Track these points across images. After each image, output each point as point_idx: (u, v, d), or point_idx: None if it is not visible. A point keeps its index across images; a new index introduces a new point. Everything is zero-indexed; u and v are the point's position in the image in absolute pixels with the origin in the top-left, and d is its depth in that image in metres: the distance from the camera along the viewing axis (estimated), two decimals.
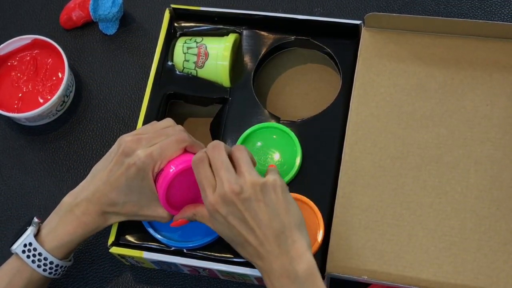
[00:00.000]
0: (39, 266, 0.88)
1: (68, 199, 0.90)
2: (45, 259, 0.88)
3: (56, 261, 0.89)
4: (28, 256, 0.88)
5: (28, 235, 0.88)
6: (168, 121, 0.91)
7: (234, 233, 0.81)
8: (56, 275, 0.91)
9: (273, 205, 0.79)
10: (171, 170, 0.85)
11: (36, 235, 0.89)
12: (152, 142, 0.87)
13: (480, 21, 0.94)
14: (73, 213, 0.89)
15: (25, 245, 0.88)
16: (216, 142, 0.83)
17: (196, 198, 0.87)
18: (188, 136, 0.88)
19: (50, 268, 0.89)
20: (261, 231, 0.79)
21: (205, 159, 0.82)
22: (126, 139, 0.87)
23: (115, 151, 0.88)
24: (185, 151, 0.88)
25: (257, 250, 0.80)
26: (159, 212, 0.88)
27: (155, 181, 0.86)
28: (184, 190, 0.86)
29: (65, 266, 0.91)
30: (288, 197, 0.81)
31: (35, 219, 0.90)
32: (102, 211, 0.89)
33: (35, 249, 0.88)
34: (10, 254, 0.90)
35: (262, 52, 1.02)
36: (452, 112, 0.93)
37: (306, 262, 0.78)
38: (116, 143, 0.89)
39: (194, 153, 0.85)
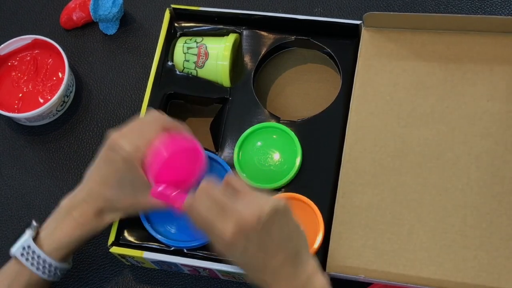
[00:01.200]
0: (38, 268, 0.88)
1: (65, 202, 0.90)
2: (44, 261, 0.88)
3: (54, 264, 0.89)
4: (27, 259, 0.88)
5: (26, 239, 0.88)
6: (150, 112, 0.91)
7: (253, 261, 0.80)
8: (55, 278, 0.91)
9: (287, 227, 0.79)
10: (157, 156, 0.85)
11: (35, 238, 0.89)
12: (134, 132, 0.87)
13: (479, 16, 0.94)
14: (70, 215, 0.89)
15: (23, 248, 0.88)
16: (205, 182, 0.81)
17: (184, 179, 0.87)
18: (166, 117, 0.89)
19: (49, 271, 0.89)
20: (279, 255, 0.78)
21: (203, 196, 0.79)
22: (110, 134, 0.87)
23: (103, 148, 0.89)
24: (169, 134, 0.87)
25: (274, 274, 0.79)
26: (155, 200, 0.87)
27: (144, 169, 0.86)
28: (172, 174, 0.86)
29: (65, 269, 0.91)
30: (294, 218, 0.81)
31: (34, 223, 0.90)
32: (98, 211, 0.89)
33: (33, 252, 0.88)
34: (9, 255, 0.90)
35: (262, 52, 1.02)
36: (453, 108, 0.93)
37: (322, 278, 0.80)
38: (108, 143, 0.89)
39: (177, 135, 0.87)
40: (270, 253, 0.78)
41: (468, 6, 1.08)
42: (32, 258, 0.88)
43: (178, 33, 1.05)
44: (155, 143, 0.86)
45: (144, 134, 0.86)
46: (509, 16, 0.97)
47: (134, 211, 0.91)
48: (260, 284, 0.81)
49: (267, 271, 0.79)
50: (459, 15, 0.95)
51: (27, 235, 0.88)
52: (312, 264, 0.80)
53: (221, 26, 1.04)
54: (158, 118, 0.88)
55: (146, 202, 0.88)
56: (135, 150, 0.85)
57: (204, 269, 0.93)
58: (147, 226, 0.94)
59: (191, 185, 0.87)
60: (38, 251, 0.88)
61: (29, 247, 0.88)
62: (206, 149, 0.97)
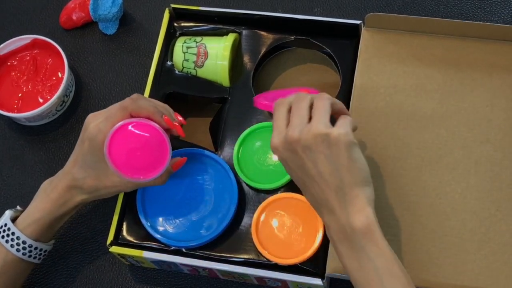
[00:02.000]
0: (12, 246, 0.89)
1: (45, 182, 0.93)
2: (18, 238, 0.89)
3: (29, 241, 0.90)
4: (2, 237, 0.89)
5: (5, 217, 0.90)
6: (130, 97, 0.90)
7: (296, 177, 0.81)
8: (32, 258, 0.91)
9: (333, 159, 0.78)
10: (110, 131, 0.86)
11: (15, 220, 0.91)
12: (102, 115, 0.88)
13: (480, 22, 0.94)
14: (45, 192, 0.92)
15: (1, 227, 0.90)
16: (303, 93, 0.83)
17: (155, 160, 0.88)
18: (135, 101, 0.88)
19: (24, 249, 0.90)
20: (321, 182, 0.78)
21: (285, 103, 0.82)
22: (88, 116, 0.89)
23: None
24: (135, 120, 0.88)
25: (317, 200, 0.80)
26: (115, 181, 0.89)
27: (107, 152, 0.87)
28: (137, 152, 0.87)
29: (42, 249, 0.92)
30: (353, 153, 0.78)
31: (18, 207, 0.93)
32: (68, 186, 0.90)
33: (9, 229, 0.89)
34: None
35: (262, 52, 1.02)
36: (452, 113, 0.93)
37: (364, 218, 0.77)
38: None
39: (142, 121, 0.87)
40: (311, 176, 0.79)
41: (468, 6, 1.07)
42: (7, 235, 0.89)
43: (177, 33, 1.04)
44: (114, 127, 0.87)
45: (111, 118, 0.87)
46: (509, 25, 0.97)
47: (100, 194, 0.92)
48: (313, 207, 0.82)
49: (308, 193, 0.81)
50: (461, 21, 0.95)
51: (6, 214, 0.91)
52: (360, 202, 0.77)
53: (220, 26, 1.04)
54: (124, 106, 0.88)
55: (109, 185, 0.90)
56: (98, 132, 0.86)
57: (204, 269, 0.93)
58: (146, 225, 0.94)
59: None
60: (13, 228, 0.89)
61: (5, 225, 0.90)
62: (205, 149, 0.97)
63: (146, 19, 1.14)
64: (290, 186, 0.94)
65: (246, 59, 1.02)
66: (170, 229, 0.94)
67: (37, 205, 0.91)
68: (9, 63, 1.10)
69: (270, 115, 0.98)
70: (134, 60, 1.11)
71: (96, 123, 0.87)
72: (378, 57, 0.97)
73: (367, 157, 0.92)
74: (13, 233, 0.89)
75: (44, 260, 0.94)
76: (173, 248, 0.93)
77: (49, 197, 0.91)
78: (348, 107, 0.96)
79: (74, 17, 1.13)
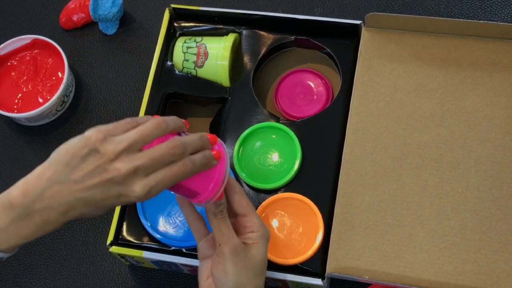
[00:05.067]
0: None
1: (21, 198, 0.74)
2: None
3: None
4: None
5: None
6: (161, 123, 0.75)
7: None
8: None
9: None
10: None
11: None
12: (149, 170, 0.73)
13: (481, 21, 0.94)
14: (31, 219, 0.73)
15: None
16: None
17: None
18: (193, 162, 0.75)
19: None
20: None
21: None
22: (117, 165, 0.71)
23: (95, 168, 0.72)
24: None
25: None
26: (131, 191, 0.74)
27: None
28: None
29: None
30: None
31: None
32: (68, 220, 0.75)
33: None
34: (10, 256, 0.89)
35: (262, 52, 1.02)
36: (452, 112, 0.93)
37: None
38: (87, 148, 0.72)
39: None
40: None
41: (468, 6, 1.08)
42: None
43: (177, 33, 1.04)
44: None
45: (163, 185, 0.73)
46: (510, 23, 0.97)
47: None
48: None
49: None
50: (461, 19, 0.95)
51: None
52: None
53: (220, 26, 1.04)
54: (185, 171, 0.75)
55: (122, 200, 0.75)
56: (149, 197, 0.73)
57: None
58: (146, 226, 0.94)
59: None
60: None
61: None
62: None
63: (146, 19, 1.14)
64: (290, 186, 0.94)
65: (246, 59, 1.02)
66: (170, 229, 0.94)
67: (21, 231, 0.74)
68: (9, 63, 1.10)
69: (270, 115, 0.98)
70: (134, 60, 1.11)
71: (148, 188, 0.72)
72: (378, 57, 0.97)
73: (368, 157, 0.93)
74: None
75: (44, 260, 0.94)
76: (173, 248, 0.93)
77: (41, 228, 0.74)
78: (348, 107, 0.96)
79: (74, 18, 1.13)
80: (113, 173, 0.71)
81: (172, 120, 0.76)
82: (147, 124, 0.74)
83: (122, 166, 0.71)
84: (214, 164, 0.77)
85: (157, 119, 0.75)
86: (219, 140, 0.79)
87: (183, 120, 0.79)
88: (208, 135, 0.78)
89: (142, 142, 0.73)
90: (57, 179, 0.73)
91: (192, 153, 0.76)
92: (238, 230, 0.81)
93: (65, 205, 0.73)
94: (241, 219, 0.81)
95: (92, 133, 0.72)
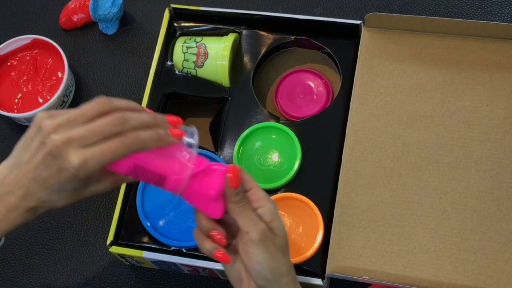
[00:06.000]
0: None
1: None
2: None
3: None
4: None
5: None
6: (104, 104, 0.73)
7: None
8: None
9: None
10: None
11: None
12: (86, 141, 0.71)
13: (480, 21, 0.94)
14: None
15: None
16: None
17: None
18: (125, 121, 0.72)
19: None
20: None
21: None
22: (53, 137, 0.71)
23: (38, 144, 0.72)
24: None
25: None
26: (99, 188, 0.77)
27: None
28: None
29: None
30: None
31: None
32: (31, 207, 0.75)
33: None
34: (8, 255, 0.89)
35: (262, 52, 1.02)
36: (452, 112, 0.93)
37: None
38: (35, 128, 0.73)
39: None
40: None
41: (468, 6, 1.08)
42: None
43: (177, 33, 1.04)
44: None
45: (104, 158, 0.72)
46: (510, 23, 0.97)
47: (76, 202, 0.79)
48: None
49: None
50: (461, 19, 0.95)
51: None
52: None
53: (220, 26, 1.04)
54: (134, 142, 0.72)
55: (90, 194, 0.77)
56: (87, 170, 0.71)
57: (204, 269, 0.93)
58: (146, 226, 0.94)
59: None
60: None
61: None
62: (206, 149, 0.97)
63: (146, 19, 1.14)
64: (290, 186, 0.94)
65: (246, 59, 1.02)
66: (170, 229, 0.94)
67: None
68: (9, 63, 1.10)
69: (270, 115, 0.98)
70: (134, 60, 1.11)
71: (82, 158, 0.70)
72: (378, 57, 0.97)
73: (368, 157, 0.93)
74: None
75: (44, 260, 0.94)
76: (173, 248, 0.93)
77: (5, 217, 0.75)
78: (348, 107, 0.96)
79: (74, 18, 1.13)
80: (50, 145, 0.71)
81: (120, 100, 0.74)
82: (90, 102, 0.73)
83: (57, 137, 0.71)
84: (170, 141, 0.73)
85: (101, 98, 0.74)
86: (192, 128, 0.75)
87: (165, 115, 0.76)
88: (170, 116, 0.76)
89: (82, 117, 0.72)
90: (14, 163, 0.75)
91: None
92: None
93: (22, 188, 0.73)
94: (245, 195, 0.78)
95: (40, 114, 0.73)
